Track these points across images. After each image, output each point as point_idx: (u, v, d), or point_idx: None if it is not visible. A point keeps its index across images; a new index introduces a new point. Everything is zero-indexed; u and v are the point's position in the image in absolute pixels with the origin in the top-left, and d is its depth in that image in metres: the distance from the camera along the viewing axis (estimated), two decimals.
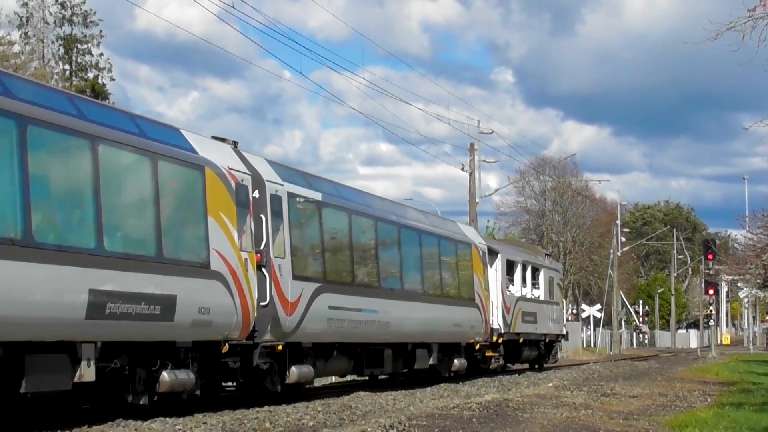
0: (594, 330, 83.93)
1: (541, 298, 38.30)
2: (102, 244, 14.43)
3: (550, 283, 39.71)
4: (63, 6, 61.40)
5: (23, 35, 58.95)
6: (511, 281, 35.26)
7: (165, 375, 15.84)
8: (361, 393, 21.12)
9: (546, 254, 42.52)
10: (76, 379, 14.08)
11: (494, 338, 32.09)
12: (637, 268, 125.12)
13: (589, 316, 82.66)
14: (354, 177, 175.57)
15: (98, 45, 62.69)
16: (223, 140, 19.11)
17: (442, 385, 25.75)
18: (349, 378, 27.02)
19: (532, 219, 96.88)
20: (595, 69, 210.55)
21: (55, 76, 57.00)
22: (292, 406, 17.89)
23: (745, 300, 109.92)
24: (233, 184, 17.67)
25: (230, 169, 17.73)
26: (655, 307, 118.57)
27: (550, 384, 26.79)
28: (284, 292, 19.09)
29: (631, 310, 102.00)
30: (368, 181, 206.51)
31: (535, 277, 38.12)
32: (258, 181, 18.75)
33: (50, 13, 60.95)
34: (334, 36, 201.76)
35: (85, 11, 61.83)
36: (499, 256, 33.53)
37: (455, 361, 28.76)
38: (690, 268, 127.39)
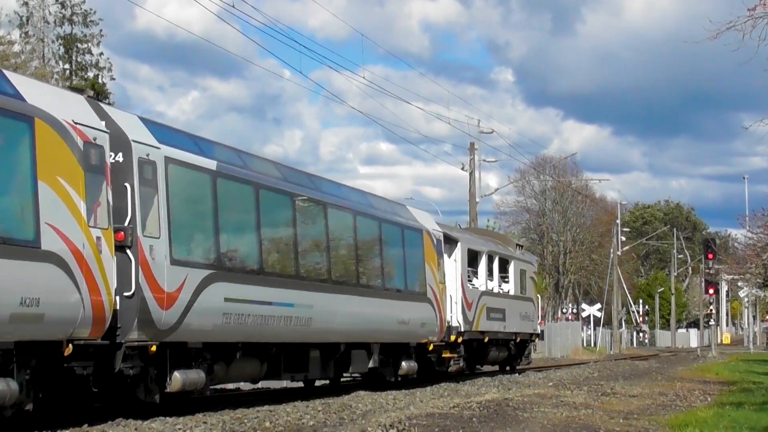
0: (594, 329, 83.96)
1: (511, 293, 34.71)
2: None
3: (521, 277, 36.05)
4: (63, 5, 61.50)
5: (23, 35, 59.04)
6: (475, 274, 31.79)
7: None
8: (361, 392, 21.11)
9: (518, 245, 38.64)
10: None
11: (452, 337, 28.54)
12: (637, 267, 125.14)
13: (589, 316, 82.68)
14: (354, 176, 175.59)
15: (98, 44, 62.86)
16: (79, 91, 16.26)
17: (442, 384, 25.72)
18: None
19: (532, 218, 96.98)
20: (595, 68, 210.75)
21: (55, 76, 57.02)
22: (292, 405, 17.87)
23: (745, 299, 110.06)
24: (80, 143, 14.07)
25: (76, 123, 14.16)
26: (655, 306, 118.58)
27: (550, 383, 26.80)
28: (158, 280, 15.57)
29: (632, 309, 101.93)
30: (368, 181, 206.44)
31: (504, 269, 34.66)
32: (121, 141, 15.24)
33: (50, 13, 61.13)
34: (334, 35, 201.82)
35: (85, 11, 61.98)
36: (459, 245, 29.80)
37: (403, 363, 25.17)
38: (690, 268, 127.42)
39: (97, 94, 56.45)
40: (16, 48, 55.43)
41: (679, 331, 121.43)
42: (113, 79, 64.82)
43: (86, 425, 13.77)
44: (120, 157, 15.19)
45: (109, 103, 50.49)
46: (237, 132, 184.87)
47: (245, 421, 14.97)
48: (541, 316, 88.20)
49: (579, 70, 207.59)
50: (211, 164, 17.42)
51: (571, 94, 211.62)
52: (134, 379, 15.43)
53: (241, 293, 17.70)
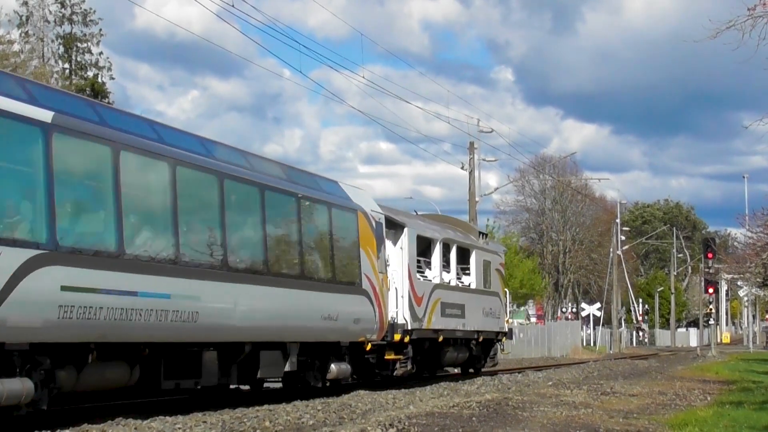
0: (594, 329, 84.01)
1: (473, 286, 30.93)
2: None
3: (485, 269, 32.11)
4: (63, 5, 61.51)
5: (23, 34, 59.04)
6: (428, 264, 28.22)
7: None
8: (361, 392, 21.13)
9: (481, 233, 34.60)
10: None
11: (397, 336, 24.86)
12: (636, 266, 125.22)
13: (588, 315, 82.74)
14: (354, 176, 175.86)
15: (98, 44, 62.89)
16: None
17: (441, 383, 25.69)
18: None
19: (532, 218, 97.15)
20: (595, 68, 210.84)
21: (55, 75, 57.07)
22: (291, 404, 17.89)
23: (745, 299, 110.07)
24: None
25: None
26: (654, 305, 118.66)
27: (550, 383, 26.80)
28: None
29: (633, 308, 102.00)
30: (368, 180, 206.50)
31: (464, 260, 30.92)
32: None
33: (50, 12, 61.14)
34: (333, 35, 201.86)
35: (85, 10, 62.00)
36: (406, 230, 25.85)
37: (332, 366, 21.55)
38: (690, 267, 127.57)
39: (96, 94, 56.61)
40: (16, 47, 55.44)
41: (679, 330, 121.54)
42: (113, 78, 64.95)
43: (86, 424, 13.77)
44: None
45: (108, 103, 50.51)
46: (237, 131, 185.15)
47: (245, 420, 14.97)
48: (538, 315, 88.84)
49: (579, 69, 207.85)
50: (43, 115, 13.68)
51: (571, 94, 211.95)
52: None
53: (88, 281, 14.04)
